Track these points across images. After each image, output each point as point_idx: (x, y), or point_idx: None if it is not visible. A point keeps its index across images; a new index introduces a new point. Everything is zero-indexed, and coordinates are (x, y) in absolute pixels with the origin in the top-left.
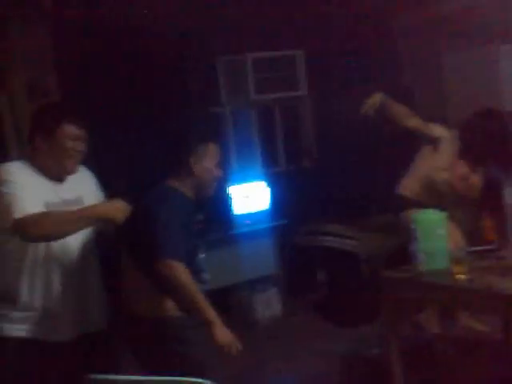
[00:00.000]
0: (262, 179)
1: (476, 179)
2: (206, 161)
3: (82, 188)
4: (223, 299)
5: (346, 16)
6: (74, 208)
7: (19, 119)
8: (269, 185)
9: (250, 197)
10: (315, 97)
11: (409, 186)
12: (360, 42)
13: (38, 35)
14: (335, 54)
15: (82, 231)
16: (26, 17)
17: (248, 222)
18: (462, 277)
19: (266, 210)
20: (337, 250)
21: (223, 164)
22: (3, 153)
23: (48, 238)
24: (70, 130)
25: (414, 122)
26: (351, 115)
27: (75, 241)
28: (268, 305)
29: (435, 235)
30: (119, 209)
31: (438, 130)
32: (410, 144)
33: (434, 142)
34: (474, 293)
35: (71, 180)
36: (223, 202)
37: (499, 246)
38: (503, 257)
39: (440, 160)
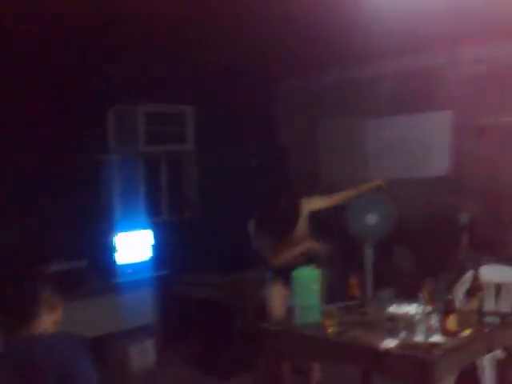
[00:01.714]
0: (146, 228)
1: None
2: None
3: None
4: (100, 348)
5: (233, 77)
6: None
7: None
8: (152, 234)
9: (134, 246)
10: (200, 151)
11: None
12: (244, 103)
13: None
14: (220, 112)
15: None
16: None
17: (130, 271)
18: (332, 330)
19: (149, 260)
20: (212, 302)
21: (108, 212)
22: None
23: None
24: None
25: None
26: (232, 171)
27: None
28: (143, 354)
29: (310, 290)
30: None
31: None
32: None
33: None
34: (343, 345)
35: None
36: (106, 250)
37: (362, 302)
38: (366, 312)
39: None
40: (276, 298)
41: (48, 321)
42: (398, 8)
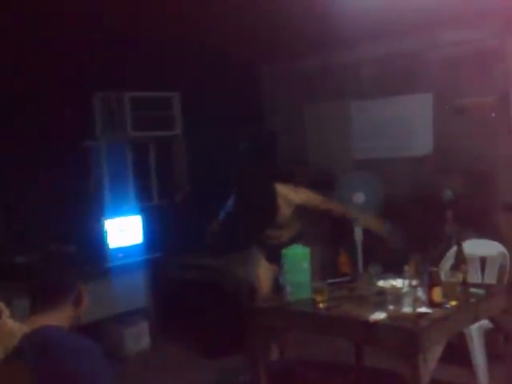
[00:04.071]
0: (136, 213)
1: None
2: None
3: None
4: (94, 333)
5: (220, 61)
6: None
7: None
8: (142, 219)
9: (124, 231)
10: (189, 136)
11: None
12: (231, 88)
13: None
14: (208, 97)
15: None
16: None
17: (121, 255)
18: (323, 305)
19: (140, 244)
20: (205, 283)
21: (98, 198)
22: None
23: None
24: None
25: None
26: (221, 155)
27: None
28: (138, 338)
29: (300, 268)
30: None
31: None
32: None
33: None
34: (334, 319)
35: None
36: (97, 235)
37: (352, 278)
38: (355, 287)
39: None
40: (263, 274)
41: (69, 315)
42: None
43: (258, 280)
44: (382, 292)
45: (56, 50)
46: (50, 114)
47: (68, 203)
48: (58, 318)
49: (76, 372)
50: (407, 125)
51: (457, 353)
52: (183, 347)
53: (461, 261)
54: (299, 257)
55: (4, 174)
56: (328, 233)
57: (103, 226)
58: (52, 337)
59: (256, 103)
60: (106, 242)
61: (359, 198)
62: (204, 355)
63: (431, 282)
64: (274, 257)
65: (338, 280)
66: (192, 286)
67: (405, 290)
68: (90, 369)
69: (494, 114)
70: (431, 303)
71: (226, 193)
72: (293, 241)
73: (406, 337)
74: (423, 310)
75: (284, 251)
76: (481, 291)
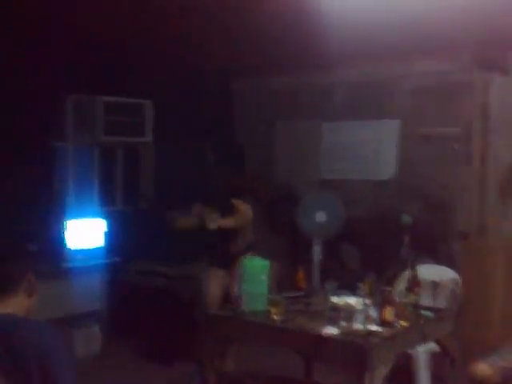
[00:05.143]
0: (99, 216)
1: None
2: None
3: None
4: None
5: (193, 73)
6: None
7: None
8: (105, 222)
9: (86, 233)
10: (158, 144)
11: None
12: (202, 99)
13: None
14: (180, 107)
15: None
16: None
17: (81, 257)
18: (278, 317)
19: (101, 247)
20: (161, 290)
21: (61, 199)
22: None
23: None
24: None
25: None
26: (188, 165)
27: None
28: (89, 341)
29: (259, 280)
30: None
31: None
32: None
33: None
34: (287, 332)
35: None
36: (58, 235)
37: (308, 293)
38: (310, 303)
39: None
40: (213, 284)
41: (23, 304)
42: (354, 19)
43: (209, 288)
44: (335, 308)
45: (31, 50)
46: (19, 112)
47: (31, 202)
48: (10, 305)
49: (36, 342)
50: (373, 148)
51: (402, 374)
52: (134, 352)
53: (414, 283)
54: (258, 268)
55: None
56: (285, 247)
57: (64, 227)
58: (9, 318)
59: (228, 116)
60: (65, 242)
61: (321, 216)
62: (154, 361)
63: (384, 301)
64: (226, 264)
65: (294, 294)
66: (148, 292)
67: (358, 307)
68: (49, 339)
69: (456, 145)
70: (382, 322)
71: (189, 202)
72: (246, 251)
73: (355, 352)
74: (374, 327)
75: (244, 261)
76: (431, 314)
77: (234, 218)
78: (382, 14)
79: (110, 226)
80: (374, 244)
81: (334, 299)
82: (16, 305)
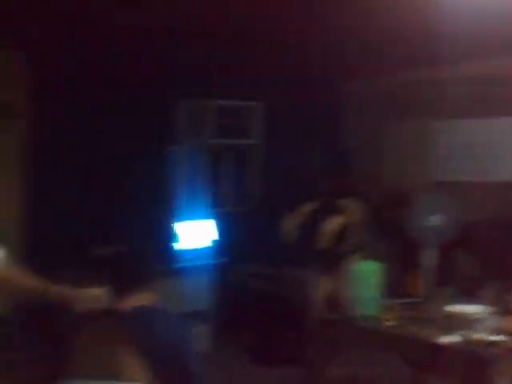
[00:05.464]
0: (208, 218)
1: None
2: None
3: None
4: None
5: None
6: None
7: None
8: (214, 223)
9: (195, 233)
10: (265, 147)
11: None
12: (310, 101)
13: (14, 60)
14: (288, 109)
15: None
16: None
17: (190, 257)
18: (390, 323)
19: (209, 248)
20: (269, 292)
21: (173, 201)
22: None
23: None
24: None
25: None
26: (295, 168)
27: None
28: (195, 340)
29: (370, 283)
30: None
31: None
32: None
33: None
34: (400, 339)
35: None
36: (170, 236)
37: (421, 300)
38: (424, 309)
39: None
40: (322, 287)
41: (150, 300)
42: (478, 9)
43: (317, 291)
44: (452, 316)
45: (146, 55)
46: (135, 117)
47: (144, 203)
48: (140, 300)
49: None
50: (494, 148)
51: None
52: (240, 352)
53: None
54: (370, 271)
55: (83, 174)
56: (394, 250)
57: (176, 228)
58: (147, 310)
59: (335, 118)
60: (176, 242)
61: (436, 219)
62: (260, 362)
63: (508, 311)
64: (334, 267)
65: (406, 300)
66: (254, 293)
67: (477, 315)
68: (182, 333)
69: None
70: (505, 332)
71: (298, 205)
72: (354, 253)
73: (475, 363)
74: (496, 338)
75: (354, 264)
76: None
77: (343, 218)
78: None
79: (218, 227)
80: (495, 251)
81: (450, 307)
82: (147, 300)
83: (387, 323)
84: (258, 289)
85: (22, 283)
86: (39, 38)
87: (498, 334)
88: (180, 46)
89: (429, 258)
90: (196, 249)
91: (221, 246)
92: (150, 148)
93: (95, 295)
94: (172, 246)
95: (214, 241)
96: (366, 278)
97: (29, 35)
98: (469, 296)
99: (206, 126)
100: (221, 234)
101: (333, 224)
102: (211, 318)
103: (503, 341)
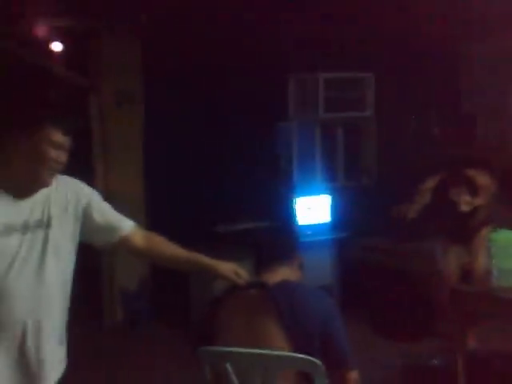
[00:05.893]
0: (324, 193)
1: None
2: None
3: (54, 206)
4: None
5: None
6: (39, 231)
7: (107, 122)
8: (330, 199)
9: (312, 209)
10: (379, 118)
11: None
12: (424, 68)
13: (128, 47)
14: (402, 80)
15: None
16: (117, 29)
17: (309, 232)
18: None
19: (327, 223)
20: (389, 267)
21: (288, 177)
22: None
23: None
24: (55, 135)
25: None
26: (412, 139)
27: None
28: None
29: (509, 253)
30: (240, 276)
31: None
32: None
33: None
34: None
35: (40, 197)
36: (289, 212)
37: None
38: None
39: None
40: (452, 260)
41: (296, 275)
42: None
43: (446, 265)
44: None
45: (254, 29)
46: (246, 94)
47: (260, 179)
48: (283, 274)
49: (317, 308)
50: None
51: None
52: (365, 327)
53: None
54: (509, 241)
55: (201, 153)
56: None
57: (294, 204)
58: (290, 284)
59: (453, 84)
60: (296, 219)
61: None
62: (389, 337)
63: None
64: (464, 239)
65: None
66: (375, 269)
67: None
68: (327, 306)
69: None
70: None
71: (415, 179)
72: (485, 224)
73: None
74: None
75: (493, 235)
76: None
77: (481, 196)
78: None
79: (333, 202)
80: None
81: None
82: (289, 275)
83: None
84: (377, 262)
85: (167, 249)
86: (154, 27)
87: None
88: (294, 19)
89: None
90: (314, 224)
91: (338, 221)
92: (262, 125)
93: (238, 269)
94: (293, 222)
95: (332, 216)
96: (506, 248)
97: (144, 24)
98: None
99: (316, 100)
100: (337, 208)
101: (475, 203)
102: (335, 293)
103: None
